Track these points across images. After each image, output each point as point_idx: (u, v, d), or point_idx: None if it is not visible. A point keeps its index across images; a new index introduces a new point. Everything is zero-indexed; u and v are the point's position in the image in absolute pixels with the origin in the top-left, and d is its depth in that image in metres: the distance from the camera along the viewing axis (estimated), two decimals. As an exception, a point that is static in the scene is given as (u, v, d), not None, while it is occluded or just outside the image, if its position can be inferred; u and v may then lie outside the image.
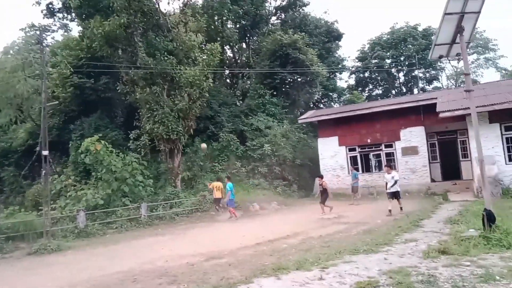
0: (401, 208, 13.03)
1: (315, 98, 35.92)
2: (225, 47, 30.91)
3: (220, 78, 30.91)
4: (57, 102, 21.40)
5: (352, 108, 24.26)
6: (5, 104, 22.67)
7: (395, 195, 13.08)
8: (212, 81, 21.85)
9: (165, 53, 19.78)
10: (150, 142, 20.65)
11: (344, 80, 58.78)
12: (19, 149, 24.88)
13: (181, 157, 21.19)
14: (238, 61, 33.86)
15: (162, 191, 19.22)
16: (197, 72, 19.97)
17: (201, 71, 20.25)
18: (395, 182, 13.03)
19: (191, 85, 20.00)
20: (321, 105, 37.07)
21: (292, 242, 9.38)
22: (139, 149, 20.54)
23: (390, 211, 12.69)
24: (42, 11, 27.89)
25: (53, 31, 31.38)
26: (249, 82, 31.48)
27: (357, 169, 20.80)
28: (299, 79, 29.49)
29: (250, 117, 26.26)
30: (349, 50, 64.10)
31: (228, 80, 34.31)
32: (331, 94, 38.85)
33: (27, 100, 22.76)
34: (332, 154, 22.93)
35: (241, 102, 30.40)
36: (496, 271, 5.21)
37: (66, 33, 30.93)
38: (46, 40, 29.37)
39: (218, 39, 27.42)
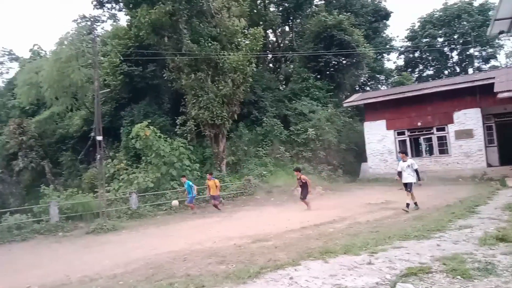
0: (409, 205, 10.93)
1: (361, 80, 34.81)
2: (268, 31, 30.64)
3: (263, 63, 30.79)
4: (108, 90, 22.37)
5: (401, 90, 23.26)
6: (62, 93, 23.98)
7: (406, 186, 11.14)
8: (255, 66, 21.81)
9: (209, 39, 19.95)
10: (195, 128, 21.11)
11: (392, 61, 56.47)
12: (75, 135, 26.40)
13: (225, 142, 21.51)
14: (281, 44, 33.46)
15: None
16: (241, 57, 20.00)
17: (244, 56, 20.24)
18: (415, 170, 11.18)
19: (235, 71, 20.09)
20: (368, 88, 35.88)
21: (339, 227, 9.27)
22: (185, 134, 21.08)
23: (408, 205, 10.92)
24: (92, 2, 29.01)
25: (103, 21, 32.75)
26: (292, 66, 31.07)
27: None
28: (344, 62, 28.65)
29: (293, 102, 26.00)
30: (397, 30, 61.06)
31: (271, 65, 34.09)
32: (378, 76, 37.46)
33: (81, 89, 23.92)
34: (379, 138, 22.23)
35: (284, 86, 30.15)
36: None
37: (114, 23, 32.13)
38: (97, 30, 30.71)
39: (261, 23, 27.21)
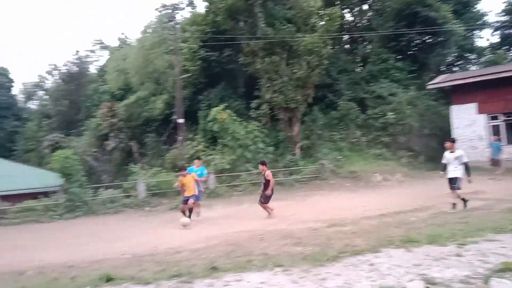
0: (455, 205, 9.39)
1: (448, 60, 31.89)
2: (344, 11, 29.39)
3: (339, 44, 29.70)
4: (188, 75, 23.39)
5: (495, 70, 20.87)
6: (146, 78, 25.70)
7: (451, 182, 9.46)
8: (331, 47, 21.14)
9: (284, 21, 19.74)
10: (270, 111, 21.24)
11: (486, 38, 50.75)
12: (158, 118, 28.19)
13: (299, 126, 21.36)
14: (359, 24, 31.88)
15: (282, 159, 19.77)
16: (316, 39, 19.50)
17: (320, 37, 19.70)
18: (465, 164, 9.45)
19: (310, 53, 19.67)
20: (456, 68, 32.82)
21: (421, 216, 8.75)
22: (259, 118, 21.33)
23: (454, 205, 9.41)
24: (172, -10, 30.35)
25: (182, 8, 33.96)
26: (370, 46, 29.53)
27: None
28: (429, 40, 26.46)
29: (371, 84, 24.79)
30: (492, 3, 54.57)
31: (347, 46, 32.72)
32: (468, 55, 34.02)
33: (163, 74, 25.40)
34: (468, 123, 20.33)
35: (361, 68, 28.85)
36: None
37: (193, 10, 33.23)
38: (176, 18, 32.06)
39: (337, 2, 26.16)
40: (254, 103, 21.86)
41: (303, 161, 19.75)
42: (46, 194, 14.68)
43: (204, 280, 4.34)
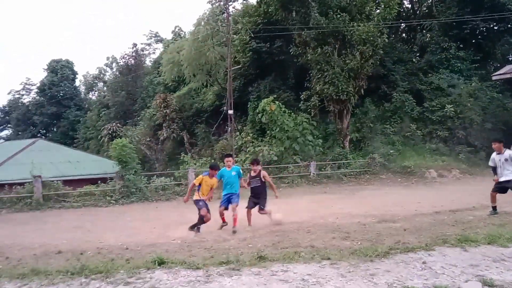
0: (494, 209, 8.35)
1: (517, 49, 29.44)
2: (402, -2, 28.01)
3: (395, 33, 28.45)
4: (239, 66, 23.65)
5: None
6: (198, 70, 26.33)
7: (502, 189, 8.37)
8: (386, 36, 20.31)
9: (338, 10, 19.23)
10: (319, 103, 20.93)
11: None
12: (209, 109, 28.86)
13: (350, 118, 20.86)
14: (417, 11, 30.27)
15: (330, 151, 19.47)
16: (371, 27, 18.81)
17: (376, 26, 18.99)
18: None
19: (364, 42, 19.04)
20: (525, 58, 30.19)
21: (480, 215, 8.24)
22: (309, 110, 21.10)
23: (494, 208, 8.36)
24: (224, -18, 30.58)
25: (234, 0, 34.23)
26: (429, 35, 27.92)
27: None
28: (496, 28, 24.53)
29: (429, 75, 23.51)
30: None
31: (404, 35, 31.23)
32: (540, 43, 31.14)
33: (214, 66, 25.88)
34: (537, 117, 18.71)
35: (418, 58, 27.42)
36: None
37: (245, 1, 33.38)
38: (229, 10, 32.39)
39: (396, -12, 24.97)
40: (303, 95, 21.65)
41: (352, 154, 19.32)
42: (104, 180, 15.58)
43: (251, 268, 4.40)
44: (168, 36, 45.45)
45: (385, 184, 15.64)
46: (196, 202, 8.02)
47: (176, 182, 15.87)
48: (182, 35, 38.29)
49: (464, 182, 15.30)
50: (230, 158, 8.78)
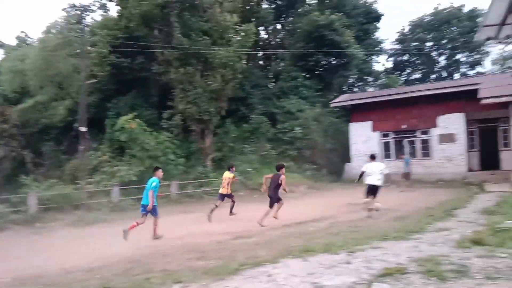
0: (372, 206, 10.70)
1: (350, 81, 35.04)
2: (259, 28, 30.56)
3: (253, 60, 30.70)
4: (95, 80, 22.04)
5: (388, 93, 23.52)
6: (47, 82, 23.59)
7: (373, 191, 10.64)
8: (245, 62, 21.79)
9: (200, 33, 19.83)
10: (182, 122, 20.98)
11: (381, 63, 56.94)
12: (59, 125, 25.91)
13: (212, 138, 21.44)
14: (272, 42, 33.39)
15: (193, 170, 19.58)
16: (231, 52, 19.92)
17: (235, 52, 20.18)
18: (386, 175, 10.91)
19: (225, 66, 20.02)
20: (356, 89, 36.12)
21: (321, 226, 9.33)
22: (171, 129, 20.91)
23: (370, 207, 10.70)
24: (82, -9, 28.55)
25: (93, 11, 32.07)
26: (282, 64, 31.07)
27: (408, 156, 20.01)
28: (334, 62, 28.79)
29: (282, 100, 26.04)
30: (388, 32, 62.10)
31: (261, 62, 34.00)
32: (366, 77, 37.74)
33: (67, 78, 23.55)
34: (364, 139, 22.43)
35: (273, 84, 30.14)
36: (534, 265, 4.94)
37: (105, 13, 31.58)
38: (86, 20, 30.14)
39: (253, 19, 27.08)
40: (166, 113, 21.39)
41: (214, 173, 19.79)
42: None
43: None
44: (11, 42, 39.60)
45: (244, 201, 16.41)
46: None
47: (13, 209, 13.63)
48: (28, 42, 33.85)
49: (310, 196, 17.16)
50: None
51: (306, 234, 8.24)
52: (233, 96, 22.56)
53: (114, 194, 15.23)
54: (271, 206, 10.13)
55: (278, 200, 10.24)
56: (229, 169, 12.60)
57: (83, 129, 19.96)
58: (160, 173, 9.72)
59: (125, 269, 5.80)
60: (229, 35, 20.90)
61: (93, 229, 11.18)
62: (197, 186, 18.11)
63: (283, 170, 10.49)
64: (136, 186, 16.68)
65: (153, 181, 9.19)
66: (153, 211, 9.14)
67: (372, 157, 11.44)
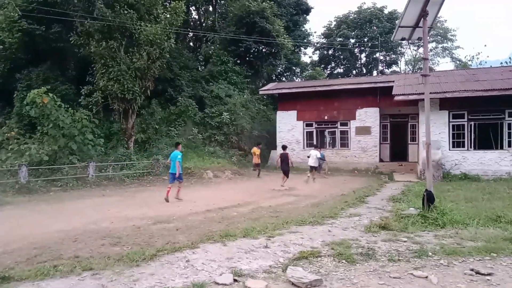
0: (310, 178, 15.78)
1: (278, 70, 35.79)
2: (190, 8, 29.66)
3: (183, 40, 29.80)
4: (1, 47, 19.64)
5: (313, 84, 24.46)
6: None
7: (312, 168, 16.13)
8: (174, 41, 20.96)
9: (125, 6, 18.55)
10: (103, 100, 19.66)
11: (308, 55, 58.98)
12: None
13: (135, 118, 20.46)
14: (203, 24, 32.68)
15: (113, 152, 18.58)
16: (159, 30, 19.02)
17: (163, 29, 19.30)
18: (320, 159, 16.95)
19: (151, 44, 19.06)
20: (284, 78, 37.04)
21: (242, 211, 9.47)
22: (90, 106, 19.53)
23: (309, 177, 15.74)
24: None
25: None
26: (212, 47, 30.60)
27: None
28: (264, 50, 29.11)
29: (211, 84, 25.72)
30: (316, 25, 64.35)
31: (191, 43, 33.16)
32: (294, 68, 38.87)
33: (-33, 42, 20.67)
34: (289, 128, 23.17)
35: (203, 67, 29.62)
36: (429, 247, 5.55)
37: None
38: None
39: (184, -2, 26.15)
40: (85, 89, 19.89)
41: (137, 155, 19.01)
42: None
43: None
44: None
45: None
46: None
47: None
48: None
49: (234, 182, 17.33)
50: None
51: (228, 219, 8.31)
52: (160, 77, 21.69)
53: (22, 174, 13.84)
54: (287, 176, 14.61)
55: (287, 172, 14.65)
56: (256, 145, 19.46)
57: (-15, 101, 17.77)
58: (180, 147, 12.50)
59: (29, 256, 5.31)
60: (157, 11, 19.89)
61: (-6, 213, 10.07)
62: (118, 169, 17.24)
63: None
64: (48, 167, 15.39)
65: (178, 154, 11.81)
66: (179, 178, 11.78)
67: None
